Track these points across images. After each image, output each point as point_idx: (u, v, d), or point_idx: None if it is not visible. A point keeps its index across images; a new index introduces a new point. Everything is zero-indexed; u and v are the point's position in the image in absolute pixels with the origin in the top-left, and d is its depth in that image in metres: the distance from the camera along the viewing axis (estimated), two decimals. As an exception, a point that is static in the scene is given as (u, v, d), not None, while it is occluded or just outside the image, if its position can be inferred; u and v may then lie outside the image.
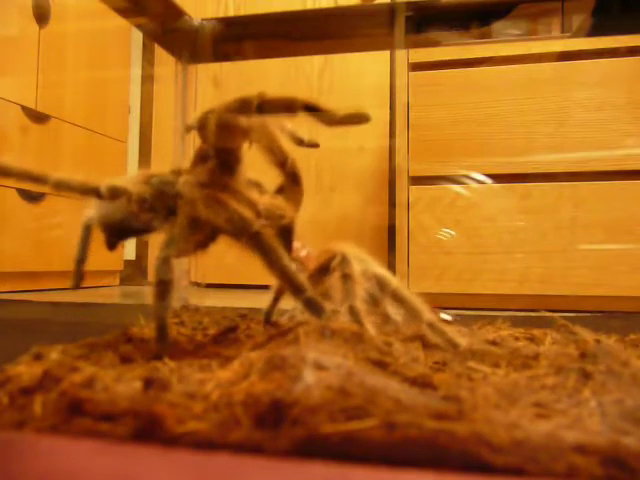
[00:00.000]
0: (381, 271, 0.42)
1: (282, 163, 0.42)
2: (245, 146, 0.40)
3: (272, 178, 0.43)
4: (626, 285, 1.05)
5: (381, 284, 0.41)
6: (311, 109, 0.34)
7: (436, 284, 1.13)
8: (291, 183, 0.42)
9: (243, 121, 0.37)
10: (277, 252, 0.35)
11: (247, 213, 0.36)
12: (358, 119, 0.33)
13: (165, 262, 0.36)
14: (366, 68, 1.68)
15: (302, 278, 0.35)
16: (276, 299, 0.51)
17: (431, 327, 0.39)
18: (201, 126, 0.38)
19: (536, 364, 0.33)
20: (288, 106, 0.34)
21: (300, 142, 0.45)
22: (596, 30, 1.08)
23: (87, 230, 0.43)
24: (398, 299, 0.41)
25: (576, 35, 1.13)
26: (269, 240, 0.35)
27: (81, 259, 0.45)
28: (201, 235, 0.39)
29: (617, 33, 1.05)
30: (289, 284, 0.35)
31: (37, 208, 1.39)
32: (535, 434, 0.21)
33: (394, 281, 0.41)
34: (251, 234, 0.35)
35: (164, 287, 0.36)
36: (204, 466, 0.21)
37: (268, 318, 0.52)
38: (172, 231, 0.38)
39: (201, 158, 0.40)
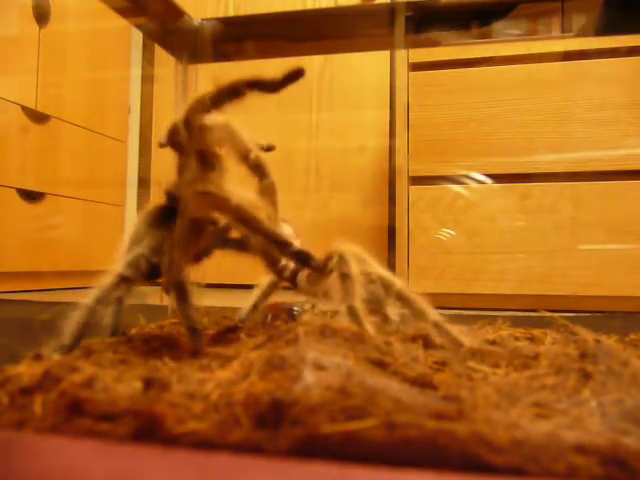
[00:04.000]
0: (384, 272, 0.42)
1: (245, 157, 0.42)
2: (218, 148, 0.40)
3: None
4: (626, 285, 1.05)
5: (385, 285, 0.41)
6: (255, 85, 0.36)
7: (436, 284, 1.13)
8: (260, 177, 0.42)
9: (204, 125, 0.38)
10: (257, 218, 0.37)
11: (226, 192, 0.37)
12: (295, 75, 0.36)
13: (173, 265, 0.38)
14: (366, 68, 1.67)
15: (284, 235, 0.38)
16: (257, 303, 0.51)
17: (436, 327, 0.39)
18: (171, 140, 0.38)
19: (536, 364, 0.33)
20: (235, 91, 0.36)
21: (261, 147, 0.45)
22: (603, 29, 1.08)
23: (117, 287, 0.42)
24: (403, 300, 0.41)
25: (582, 34, 1.13)
26: (248, 210, 0.37)
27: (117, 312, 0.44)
28: (198, 238, 0.40)
29: (624, 32, 1.05)
30: (274, 243, 0.37)
31: (37, 208, 1.39)
32: (535, 434, 0.21)
33: (398, 282, 0.41)
34: (232, 208, 0.37)
35: (181, 289, 0.38)
36: (204, 466, 0.21)
37: (243, 320, 0.51)
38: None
39: (181, 170, 0.40)
